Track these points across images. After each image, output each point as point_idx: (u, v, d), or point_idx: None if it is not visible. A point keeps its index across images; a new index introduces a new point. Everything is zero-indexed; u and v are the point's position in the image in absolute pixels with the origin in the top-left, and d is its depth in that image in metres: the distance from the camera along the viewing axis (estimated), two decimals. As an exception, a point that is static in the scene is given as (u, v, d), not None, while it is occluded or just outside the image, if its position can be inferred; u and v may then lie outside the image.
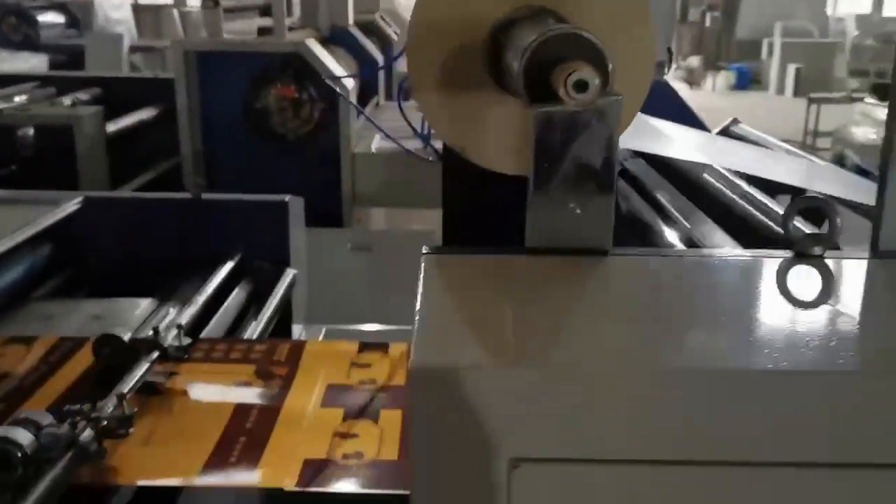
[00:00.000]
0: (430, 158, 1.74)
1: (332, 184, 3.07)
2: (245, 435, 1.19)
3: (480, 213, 1.76)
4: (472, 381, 0.47)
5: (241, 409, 1.25)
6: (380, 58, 4.13)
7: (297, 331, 2.03)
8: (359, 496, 1.09)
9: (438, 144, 1.75)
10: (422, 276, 0.62)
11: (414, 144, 2.86)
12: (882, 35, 12.81)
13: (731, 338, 0.53)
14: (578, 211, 0.66)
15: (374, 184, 3.07)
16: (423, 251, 0.66)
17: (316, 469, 1.11)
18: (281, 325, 1.87)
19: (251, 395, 1.31)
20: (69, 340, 1.45)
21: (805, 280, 0.64)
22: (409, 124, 1.79)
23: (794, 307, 0.60)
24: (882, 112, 7.36)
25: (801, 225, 0.68)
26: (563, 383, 0.47)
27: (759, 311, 0.58)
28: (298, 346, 1.46)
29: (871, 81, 11.23)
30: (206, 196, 1.90)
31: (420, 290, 0.59)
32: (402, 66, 4.31)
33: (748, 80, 13.88)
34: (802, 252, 0.67)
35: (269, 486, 1.11)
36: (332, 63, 3.10)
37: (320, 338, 2.03)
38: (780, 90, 13.21)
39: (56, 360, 1.39)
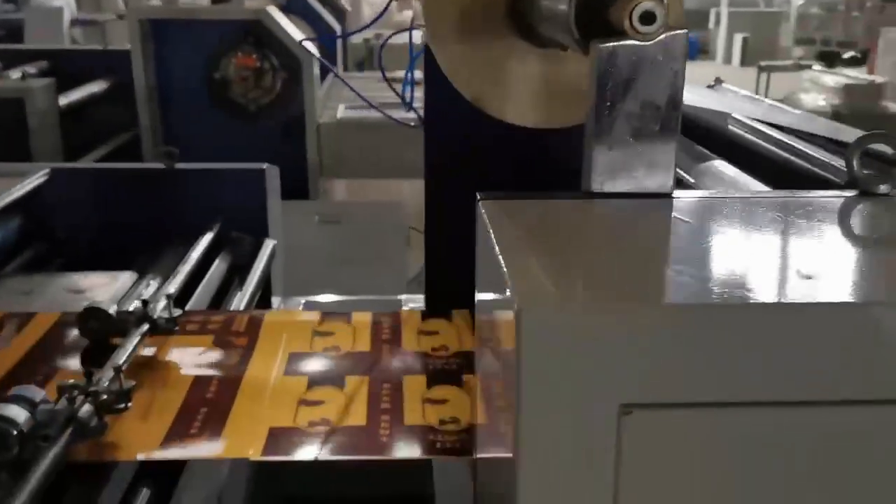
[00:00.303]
0: (413, 125, 1.69)
1: (296, 155, 3.00)
2: (206, 405, 1.13)
3: (463, 180, 1.73)
4: (584, 323, 0.44)
5: (201, 380, 1.20)
6: (337, 27, 4.06)
7: (276, 303, 1.98)
8: (337, 463, 1.05)
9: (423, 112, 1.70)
10: (487, 221, 0.58)
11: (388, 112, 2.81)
12: (826, 3, 13.01)
13: (839, 273, 0.51)
14: (641, 152, 0.63)
15: (341, 154, 3.01)
16: (479, 197, 0.62)
17: (281, 437, 1.06)
18: (260, 298, 1.82)
19: (210, 365, 1.26)
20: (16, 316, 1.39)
21: (879, 217, 0.62)
22: (394, 90, 1.74)
23: (875, 244, 0.58)
24: (829, 79, 7.49)
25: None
26: (678, 324, 0.44)
27: (847, 249, 0.56)
28: (258, 317, 1.41)
29: (816, 49, 11.42)
30: (179, 166, 1.83)
31: (491, 235, 0.55)
32: (357, 37, 4.23)
33: (696, 50, 14.01)
34: (868, 191, 0.65)
35: (232, 455, 1.07)
36: (295, 31, 3.02)
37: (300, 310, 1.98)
38: (728, 59, 13.36)
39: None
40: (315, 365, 1.27)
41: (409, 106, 1.76)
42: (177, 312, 1.34)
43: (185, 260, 1.59)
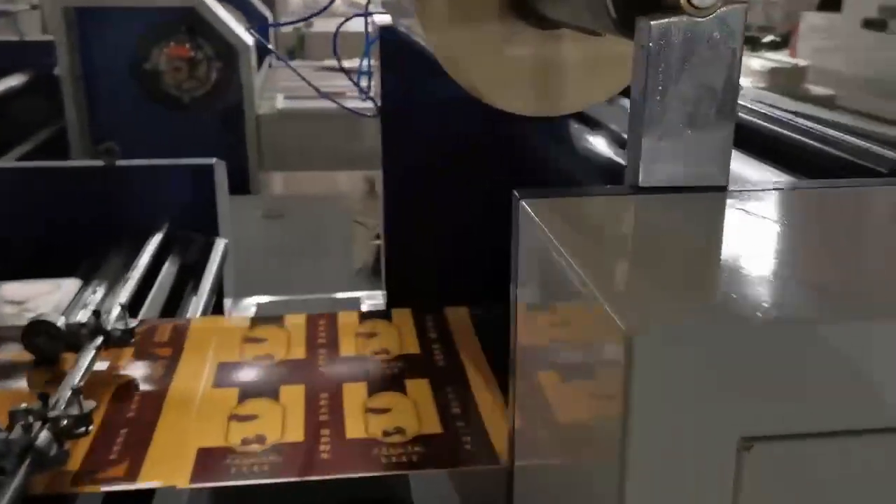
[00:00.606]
0: (370, 115, 1.61)
1: (235, 148, 2.88)
2: (126, 426, 1.03)
3: (422, 170, 1.66)
4: (705, 348, 0.38)
5: (120, 398, 1.09)
6: (268, 15, 3.93)
7: (227, 305, 1.87)
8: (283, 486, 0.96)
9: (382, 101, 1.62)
10: (542, 224, 0.51)
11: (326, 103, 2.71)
12: (747, -11, 13.23)
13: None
14: (695, 141, 0.57)
15: (282, 146, 2.90)
16: (516, 195, 0.55)
17: (212, 459, 0.96)
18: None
19: (131, 380, 1.15)
20: None
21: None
22: (350, 79, 1.66)
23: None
24: (755, 62, 7.61)
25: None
26: (811, 344, 0.38)
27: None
28: (182, 325, 1.31)
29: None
30: (120, 163, 1.71)
31: (555, 241, 0.48)
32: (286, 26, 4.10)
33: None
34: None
35: (157, 484, 0.94)
36: (230, 19, 2.89)
37: (252, 312, 1.88)
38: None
39: None
40: (246, 375, 1.16)
41: (366, 95, 1.69)
42: (133, 322, 1.24)
43: (134, 264, 1.48)
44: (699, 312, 0.39)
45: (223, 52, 2.84)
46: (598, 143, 1.32)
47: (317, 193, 3.58)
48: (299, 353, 1.23)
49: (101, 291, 1.45)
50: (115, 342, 1.20)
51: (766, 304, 0.40)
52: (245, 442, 0.99)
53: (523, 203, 0.55)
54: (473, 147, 1.62)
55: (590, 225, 0.53)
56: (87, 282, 1.49)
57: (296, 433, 1.02)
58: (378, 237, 3.80)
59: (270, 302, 1.93)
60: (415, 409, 1.07)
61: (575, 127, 1.40)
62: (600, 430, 0.41)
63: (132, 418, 1.04)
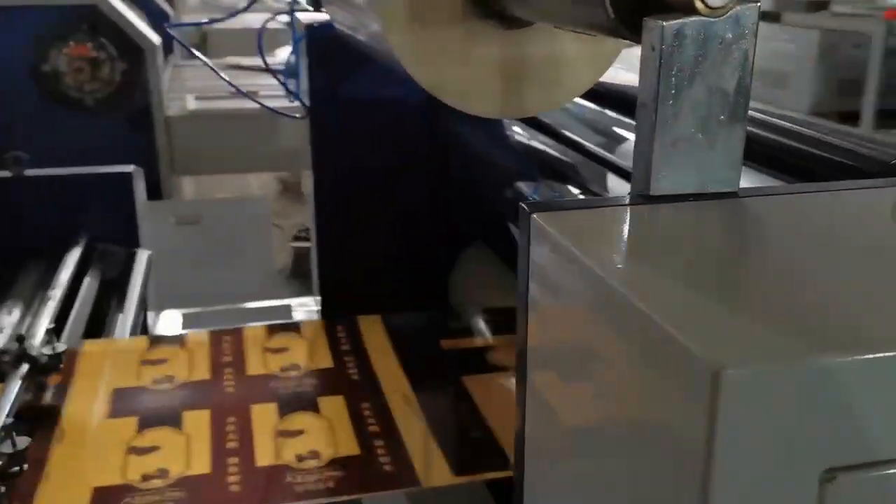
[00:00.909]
0: (298, 115, 1.55)
1: (144, 152, 2.74)
2: (13, 461, 0.93)
3: (355, 170, 1.61)
4: (791, 379, 0.35)
5: (5, 431, 0.97)
6: (169, 11, 3.79)
7: (150, 319, 1.78)
8: None
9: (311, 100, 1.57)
10: (559, 238, 0.48)
11: (242, 103, 2.62)
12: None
13: None
14: (707, 146, 0.54)
15: (194, 149, 2.78)
16: (525, 209, 0.52)
17: (110, 499, 0.88)
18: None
19: (16, 411, 1.02)
20: None
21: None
22: (277, 78, 1.59)
23: None
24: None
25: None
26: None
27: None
28: (72, 347, 1.20)
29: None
30: (29, 172, 1.60)
31: (587, 262, 0.44)
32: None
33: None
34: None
35: None
36: (133, 17, 2.76)
37: (178, 326, 1.79)
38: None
39: None
40: (145, 402, 1.07)
41: (294, 95, 1.62)
42: (61, 346, 1.15)
43: (53, 282, 1.38)
44: (784, 340, 0.36)
45: (127, 51, 2.71)
46: (533, 138, 1.30)
47: (230, 196, 3.47)
48: (203, 373, 1.14)
49: (17, 313, 1.35)
50: (42, 369, 1.12)
51: (846, 328, 0.38)
52: (146, 478, 0.91)
53: (535, 217, 0.51)
54: (406, 144, 1.58)
55: (616, 239, 0.50)
56: None
57: (202, 464, 0.94)
58: (296, 239, 3.71)
59: (196, 313, 1.84)
60: (330, 430, 1.01)
61: (509, 123, 1.37)
62: (671, 461, 0.38)
63: (17, 454, 0.93)
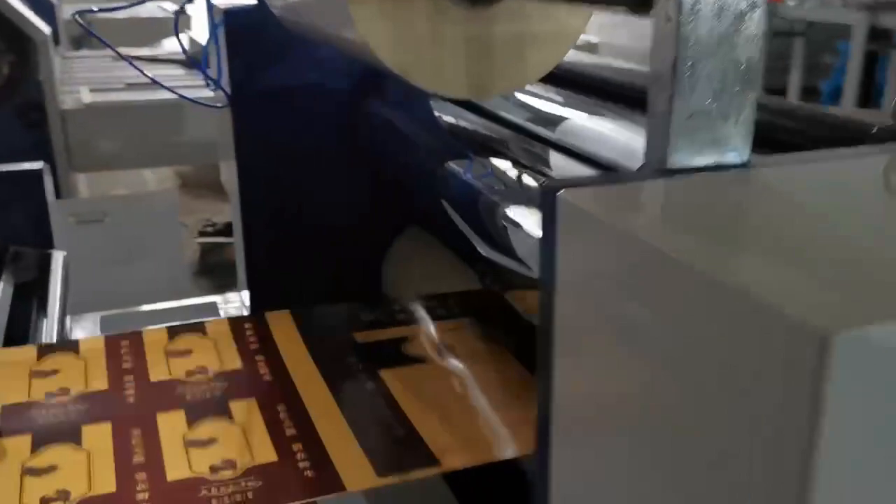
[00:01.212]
0: (220, 105, 1.50)
1: (38, 148, 2.60)
2: None
3: (281, 160, 1.56)
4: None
5: None
6: (55, 0, 3.60)
7: (67, 323, 1.69)
8: None
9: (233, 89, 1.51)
10: (606, 220, 0.47)
11: (140, 94, 2.52)
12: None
13: None
14: (721, 117, 0.54)
15: (94, 144, 2.66)
16: (550, 188, 0.50)
17: None
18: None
19: None
20: None
21: None
22: (199, 68, 1.53)
23: None
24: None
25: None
26: None
27: None
28: None
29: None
30: (-73, 172, 1.49)
31: (647, 240, 0.43)
32: (69, 13, 3.79)
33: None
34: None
35: None
36: (20, 5, 2.61)
37: (97, 328, 1.71)
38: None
39: None
40: (39, 417, 0.97)
41: (216, 84, 1.56)
42: (-14, 359, 1.07)
43: (-33, 290, 1.29)
44: (886, 305, 0.36)
45: (16, 43, 2.56)
46: (460, 117, 1.28)
47: (131, 193, 3.34)
48: (101, 383, 1.04)
49: (-72, 324, 1.25)
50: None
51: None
52: (45, 501, 0.82)
53: (563, 195, 0.50)
54: (333, 132, 1.55)
55: (661, 212, 0.49)
56: None
57: (106, 483, 0.85)
58: (201, 234, 3.61)
59: (115, 315, 1.76)
60: (244, 437, 0.94)
61: (436, 103, 1.36)
62: (765, 438, 0.37)
63: None
